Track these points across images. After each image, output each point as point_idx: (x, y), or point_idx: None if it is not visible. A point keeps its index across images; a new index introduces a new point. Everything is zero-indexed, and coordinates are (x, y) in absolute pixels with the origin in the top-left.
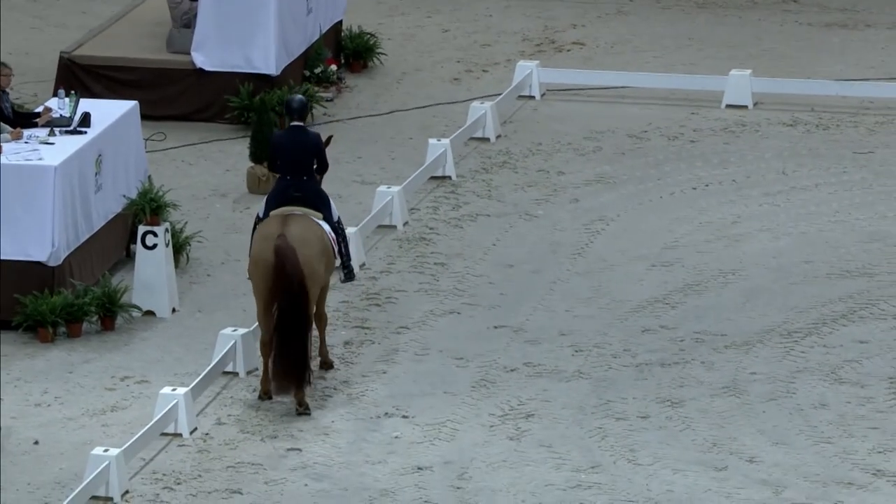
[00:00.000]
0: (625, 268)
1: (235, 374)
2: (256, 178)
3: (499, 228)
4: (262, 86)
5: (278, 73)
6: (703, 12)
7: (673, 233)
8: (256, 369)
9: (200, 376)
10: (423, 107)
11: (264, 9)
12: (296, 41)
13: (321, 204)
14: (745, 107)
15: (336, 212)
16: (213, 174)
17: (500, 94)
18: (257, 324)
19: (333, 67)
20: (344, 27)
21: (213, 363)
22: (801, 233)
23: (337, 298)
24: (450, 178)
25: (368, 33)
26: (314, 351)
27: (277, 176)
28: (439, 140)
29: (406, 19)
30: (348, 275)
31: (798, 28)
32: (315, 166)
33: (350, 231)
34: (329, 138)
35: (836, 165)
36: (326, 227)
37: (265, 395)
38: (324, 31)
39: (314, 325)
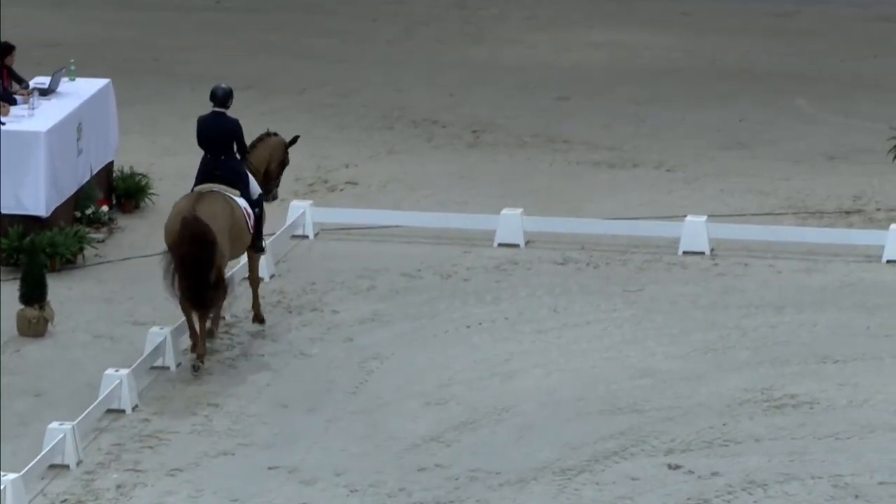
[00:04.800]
0: (400, 405)
1: None
2: (27, 321)
3: (273, 368)
4: (32, 227)
5: (48, 214)
6: (473, 151)
7: (447, 370)
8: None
9: None
10: None
11: (33, 150)
12: (66, 182)
13: (239, 181)
14: (517, 245)
15: (256, 189)
16: None
17: (273, 234)
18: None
19: (105, 208)
20: (116, 167)
21: None
22: (574, 369)
23: (108, 441)
24: (224, 317)
25: (140, 174)
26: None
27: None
28: None
29: (178, 159)
30: (257, 248)
31: (567, 166)
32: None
33: (123, 373)
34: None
35: (607, 302)
36: (242, 202)
37: (199, 359)
38: (95, 172)
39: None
